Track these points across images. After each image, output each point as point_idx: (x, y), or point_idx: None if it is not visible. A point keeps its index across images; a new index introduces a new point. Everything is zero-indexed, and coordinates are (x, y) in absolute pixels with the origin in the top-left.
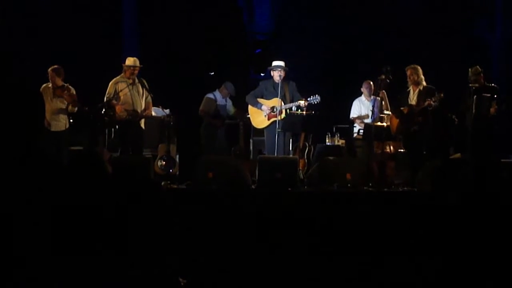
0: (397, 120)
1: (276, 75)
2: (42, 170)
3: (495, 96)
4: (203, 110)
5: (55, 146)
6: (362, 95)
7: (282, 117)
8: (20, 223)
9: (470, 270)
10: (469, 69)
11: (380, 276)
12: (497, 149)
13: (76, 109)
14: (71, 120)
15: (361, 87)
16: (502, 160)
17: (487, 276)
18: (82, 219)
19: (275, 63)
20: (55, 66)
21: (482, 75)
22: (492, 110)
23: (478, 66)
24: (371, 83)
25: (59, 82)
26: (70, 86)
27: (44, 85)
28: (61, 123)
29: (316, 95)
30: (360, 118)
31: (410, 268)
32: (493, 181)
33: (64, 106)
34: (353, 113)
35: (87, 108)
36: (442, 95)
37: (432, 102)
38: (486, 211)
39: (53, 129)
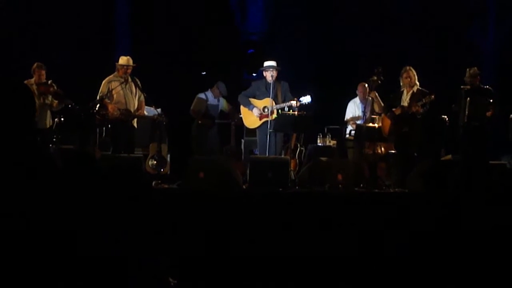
0: (389, 121)
1: (268, 75)
2: (37, 169)
3: (491, 100)
4: (193, 110)
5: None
6: (357, 97)
7: (274, 117)
8: (18, 222)
9: (462, 271)
10: (467, 69)
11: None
12: (489, 151)
13: (61, 106)
14: (62, 119)
15: (354, 88)
16: (493, 162)
17: (479, 276)
18: (72, 218)
19: (267, 63)
20: (39, 63)
21: (478, 77)
22: (488, 113)
23: (476, 68)
24: (366, 85)
25: (43, 78)
26: (53, 83)
27: (26, 81)
28: (45, 120)
29: (307, 95)
30: (354, 119)
31: (403, 268)
32: (482, 183)
33: (48, 103)
34: (348, 115)
35: (77, 107)
36: (431, 97)
37: (420, 109)
38: (475, 212)
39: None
